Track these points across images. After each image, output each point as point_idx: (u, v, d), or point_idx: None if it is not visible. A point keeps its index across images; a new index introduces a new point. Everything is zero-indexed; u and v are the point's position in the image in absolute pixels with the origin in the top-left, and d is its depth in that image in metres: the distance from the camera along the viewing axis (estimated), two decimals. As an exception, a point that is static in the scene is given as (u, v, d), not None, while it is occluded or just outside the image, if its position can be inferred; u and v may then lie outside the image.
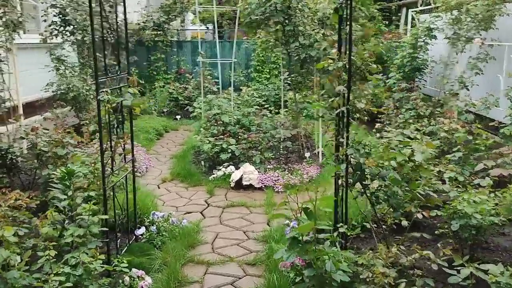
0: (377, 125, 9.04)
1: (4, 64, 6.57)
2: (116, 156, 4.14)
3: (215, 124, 7.32)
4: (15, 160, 5.40)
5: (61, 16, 8.49)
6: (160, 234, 4.50)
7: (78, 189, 4.25)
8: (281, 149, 7.21)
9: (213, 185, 6.31)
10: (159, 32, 12.40)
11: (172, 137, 9.60)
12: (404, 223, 3.95)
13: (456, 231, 3.73)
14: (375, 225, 4.00)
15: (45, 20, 8.67)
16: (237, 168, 6.48)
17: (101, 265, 3.12)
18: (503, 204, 3.84)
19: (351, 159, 3.57)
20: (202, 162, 7.05)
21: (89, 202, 3.54)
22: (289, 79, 7.53)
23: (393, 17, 12.62)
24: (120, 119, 4.10)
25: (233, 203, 5.67)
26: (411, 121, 7.94)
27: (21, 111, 7.45)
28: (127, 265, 3.45)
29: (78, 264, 3.08)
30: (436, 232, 4.04)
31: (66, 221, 3.60)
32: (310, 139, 8.24)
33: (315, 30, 6.82)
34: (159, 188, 6.40)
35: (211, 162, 6.93)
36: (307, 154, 7.31)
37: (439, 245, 4.09)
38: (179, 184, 6.52)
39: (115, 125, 4.15)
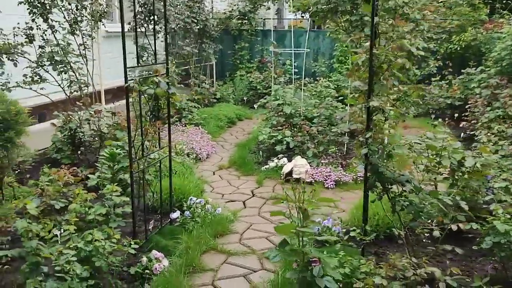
0: (462, 123, 8.36)
1: (89, 51, 7.18)
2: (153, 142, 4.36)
3: (276, 115, 7.30)
4: (82, 139, 5.93)
5: (145, 6, 9.04)
6: (194, 219, 4.65)
7: (120, 170, 4.56)
8: (338, 144, 6.96)
9: (264, 176, 6.33)
10: (244, 21, 12.61)
11: (244, 125, 9.76)
12: (436, 233, 3.63)
13: (491, 248, 3.32)
14: (405, 232, 3.72)
15: (131, 11, 9.29)
16: (289, 160, 6.41)
17: (111, 244, 3.33)
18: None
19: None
20: (260, 152, 7.09)
21: (113, 184, 3.77)
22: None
23: (497, 5, 11.37)
24: (155, 107, 4.27)
25: (277, 196, 5.64)
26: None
27: (103, 96, 8.15)
28: (136, 246, 3.59)
29: (92, 240, 3.31)
30: (474, 247, 3.65)
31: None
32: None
33: (385, 20, 6.40)
34: (214, 174, 6.58)
35: (269, 152, 6.95)
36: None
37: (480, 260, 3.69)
38: (234, 172, 6.64)
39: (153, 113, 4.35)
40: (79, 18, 6.84)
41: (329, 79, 11.03)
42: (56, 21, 6.53)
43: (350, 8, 6.47)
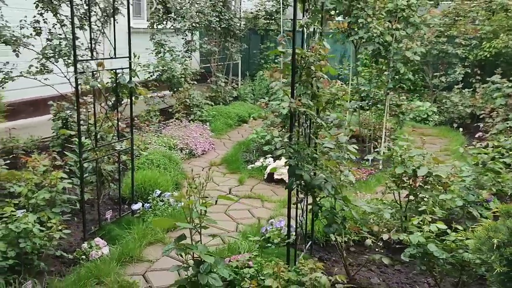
0: (478, 134, 7.92)
1: (99, 45, 7.48)
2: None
3: (273, 115, 7.27)
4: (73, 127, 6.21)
5: (163, 4, 9.29)
6: (154, 212, 4.76)
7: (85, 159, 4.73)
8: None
9: (248, 175, 6.34)
10: (271, 21, 12.61)
11: (255, 124, 9.75)
12: (368, 242, 3.54)
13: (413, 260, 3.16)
14: (335, 239, 3.61)
15: (150, 8, 9.62)
16: (275, 160, 6.37)
17: (41, 228, 3.49)
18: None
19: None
20: (254, 151, 7.10)
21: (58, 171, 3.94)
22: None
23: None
24: (113, 101, 4.39)
25: (251, 195, 5.63)
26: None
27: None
28: (68, 231, 3.73)
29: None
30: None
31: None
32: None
33: (380, 23, 6.21)
34: (202, 170, 6.65)
35: (260, 152, 6.94)
36: (369, 157, 6.76)
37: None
38: (222, 170, 6.69)
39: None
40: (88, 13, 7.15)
41: (348, 82, 10.80)
42: (65, 16, 6.87)
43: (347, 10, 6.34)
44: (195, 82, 9.70)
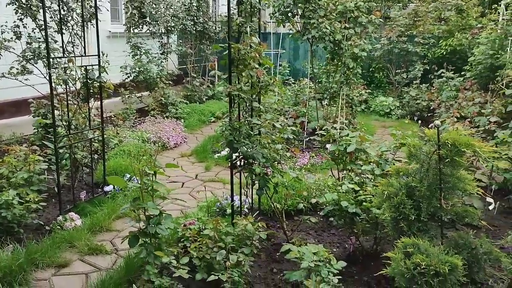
0: (431, 125, 8.62)
1: (77, 48, 8.04)
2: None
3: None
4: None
5: (138, 9, 9.89)
6: (124, 193, 5.34)
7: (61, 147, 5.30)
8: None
9: (214, 163, 6.95)
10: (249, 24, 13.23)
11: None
12: (300, 205, 4.15)
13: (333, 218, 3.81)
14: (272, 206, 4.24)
15: (126, 13, 10.21)
16: (238, 149, 6.98)
17: (20, 200, 4.06)
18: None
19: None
20: (222, 142, 7.70)
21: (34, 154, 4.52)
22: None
23: (486, 10, 11.44)
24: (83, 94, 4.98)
25: (215, 179, 6.24)
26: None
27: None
28: (44, 204, 4.32)
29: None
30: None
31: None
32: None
33: (331, 23, 6.88)
34: (173, 160, 7.25)
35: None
36: (328, 146, 7.41)
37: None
38: (192, 159, 7.30)
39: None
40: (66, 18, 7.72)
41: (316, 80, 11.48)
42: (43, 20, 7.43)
43: (302, 12, 7.00)
44: (171, 82, 10.29)
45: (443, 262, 2.74)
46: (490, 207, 5.01)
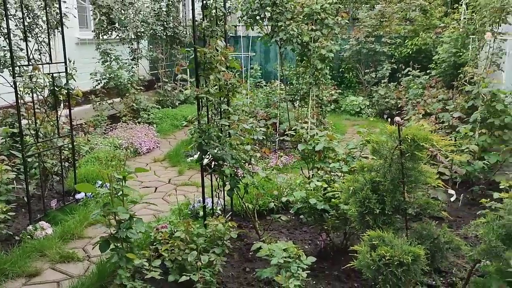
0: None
1: (44, 56, 7.94)
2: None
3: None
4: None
5: (106, 15, 9.81)
6: (96, 200, 5.31)
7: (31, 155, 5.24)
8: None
9: (187, 167, 6.96)
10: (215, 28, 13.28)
11: (200, 125, 10.40)
12: (271, 204, 4.21)
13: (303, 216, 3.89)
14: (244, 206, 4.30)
15: (94, 19, 10.12)
16: (211, 153, 7.02)
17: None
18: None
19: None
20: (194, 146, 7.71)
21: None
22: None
23: (449, 10, 11.81)
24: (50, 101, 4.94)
25: (188, 183, 6.26)
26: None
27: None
28: (13, 213, 4.27)
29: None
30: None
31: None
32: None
33: (298, 25, 7.00)
34: (146, 165, 7.23)
35: (199, 147, 7.57)
36: (300, 146, 7.52)
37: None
38: (165, 164, 7.29)
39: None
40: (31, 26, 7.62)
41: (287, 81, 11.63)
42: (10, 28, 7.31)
43: (270, 15, 7.10)
44: (142, 88, 10.24)
45: (406, 253, 2.85)
46: (452, 199, 5.19)
